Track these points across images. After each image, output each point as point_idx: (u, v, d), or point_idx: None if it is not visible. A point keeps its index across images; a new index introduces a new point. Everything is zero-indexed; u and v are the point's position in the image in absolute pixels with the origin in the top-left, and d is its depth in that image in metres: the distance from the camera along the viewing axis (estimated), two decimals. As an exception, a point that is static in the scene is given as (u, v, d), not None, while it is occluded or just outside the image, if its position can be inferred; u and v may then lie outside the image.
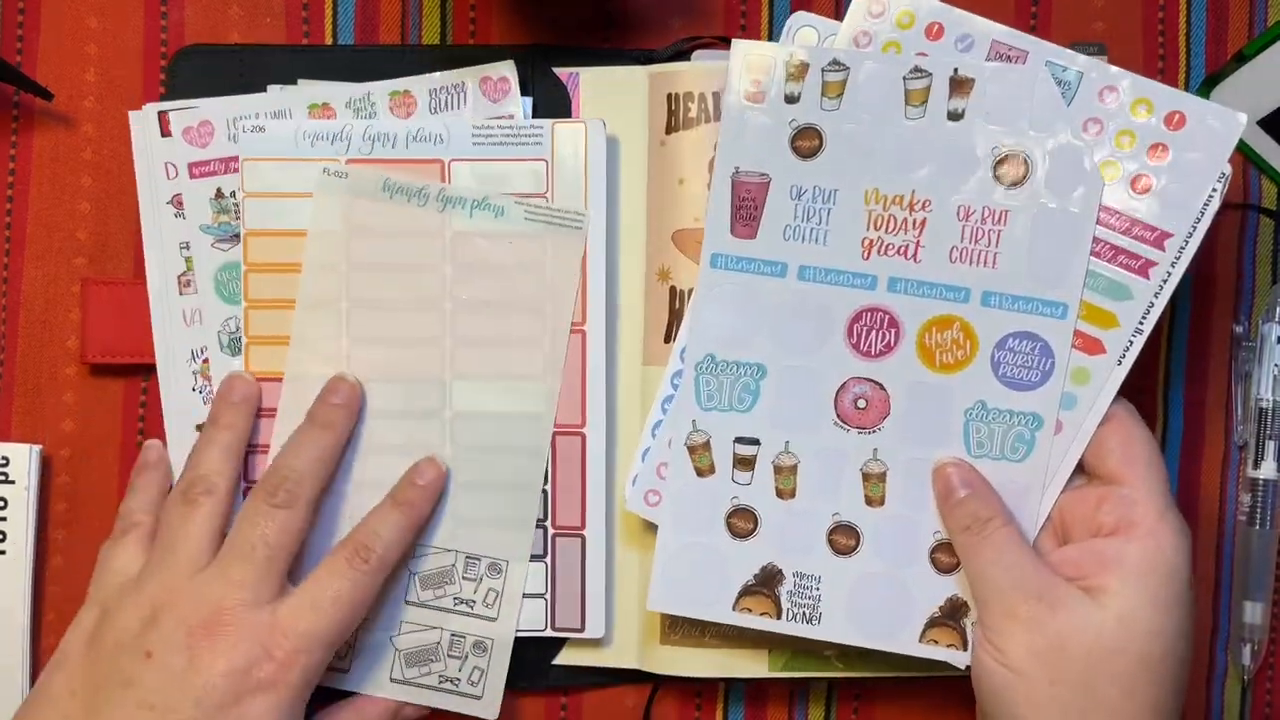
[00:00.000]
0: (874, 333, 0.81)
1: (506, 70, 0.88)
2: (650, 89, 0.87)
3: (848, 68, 0.81)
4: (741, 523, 0.83)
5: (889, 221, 0.81)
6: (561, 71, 0.88)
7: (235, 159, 0.87)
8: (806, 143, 0.81)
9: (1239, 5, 0.90)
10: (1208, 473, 0.91)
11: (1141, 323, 0.79)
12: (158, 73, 0.89)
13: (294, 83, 0.88)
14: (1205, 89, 0.89)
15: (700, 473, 0.83)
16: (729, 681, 0.90)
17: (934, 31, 0.81)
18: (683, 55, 0.88)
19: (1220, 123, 0.79)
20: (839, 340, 0.82)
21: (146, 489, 0.85)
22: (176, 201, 0.87)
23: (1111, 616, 0.74)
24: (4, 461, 0.87)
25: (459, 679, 0.86)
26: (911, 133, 0.81)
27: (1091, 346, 0.80)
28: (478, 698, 0.86)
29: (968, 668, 0.81)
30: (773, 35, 0.90)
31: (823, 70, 0.81)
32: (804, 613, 0.83)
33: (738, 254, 0.82)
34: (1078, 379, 0.80)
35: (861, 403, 0.82)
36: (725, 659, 0.87)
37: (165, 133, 0.87)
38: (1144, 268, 0.79)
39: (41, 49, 0.89)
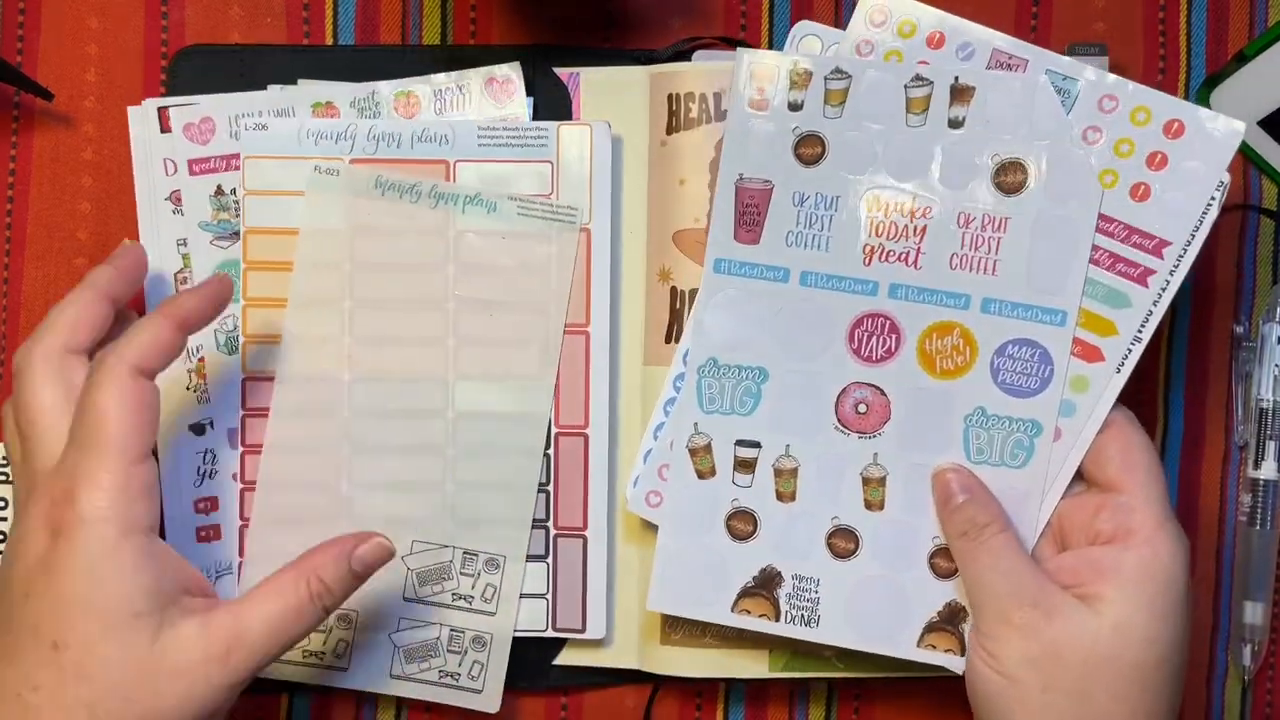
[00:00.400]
0: (875, 338, 0.82)
1: (512, 71, 0.87)
2: (651, 89, 0.87)
3: (850, 76, 0.81)
4: (741, 525, 0.83)
5: (890, 228, 0.81)
6: (562, 72, 0.88)
7: (236, 156, 0.86)
8: (809, 150, 0.82)
9: (1239, 5, 0.90)
10: (1208, 473, 0.91)
11: (1140, 331, 0.80)
12: (158, 73, 0.89)
13: (294, 83, 0.88)
14: (1206, 89, 0.89)
15: (701, 475, 0.84)
16: (729, 682, 0.91)
17: (935, 40, 0.81)
18: (683, 55, 0.88)
19: (1219, 131, 0.79)
20: (840, 345, 0.82)
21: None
22: (175, 198, 0.87)
23: (1107, 625, 0.75)
24: (4, 462, 0.87)
25: (459, 674, 0.87)
26: (913, 140, 0.81)
27: (1090, 354, 0.80)
28: (478, 691, 0.87)
29: (964, 671, 0.81)
30: (773, 35, 0.90)
31: (825, 78, 0.81)
32: (802, 615, 0.83)
33: (740, 259, 0.82)
34: (1077, 386, 0.80)
35: (862, 407, 0.82)
36: (725, 659, 0.87)
37: (165, 128, 0.87)
38: (1143, 276, 0.79)
39: (42, 49, 0.89)
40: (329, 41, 0.90)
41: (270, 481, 0.86)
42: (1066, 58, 0.80)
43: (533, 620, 0.87)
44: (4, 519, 0.87)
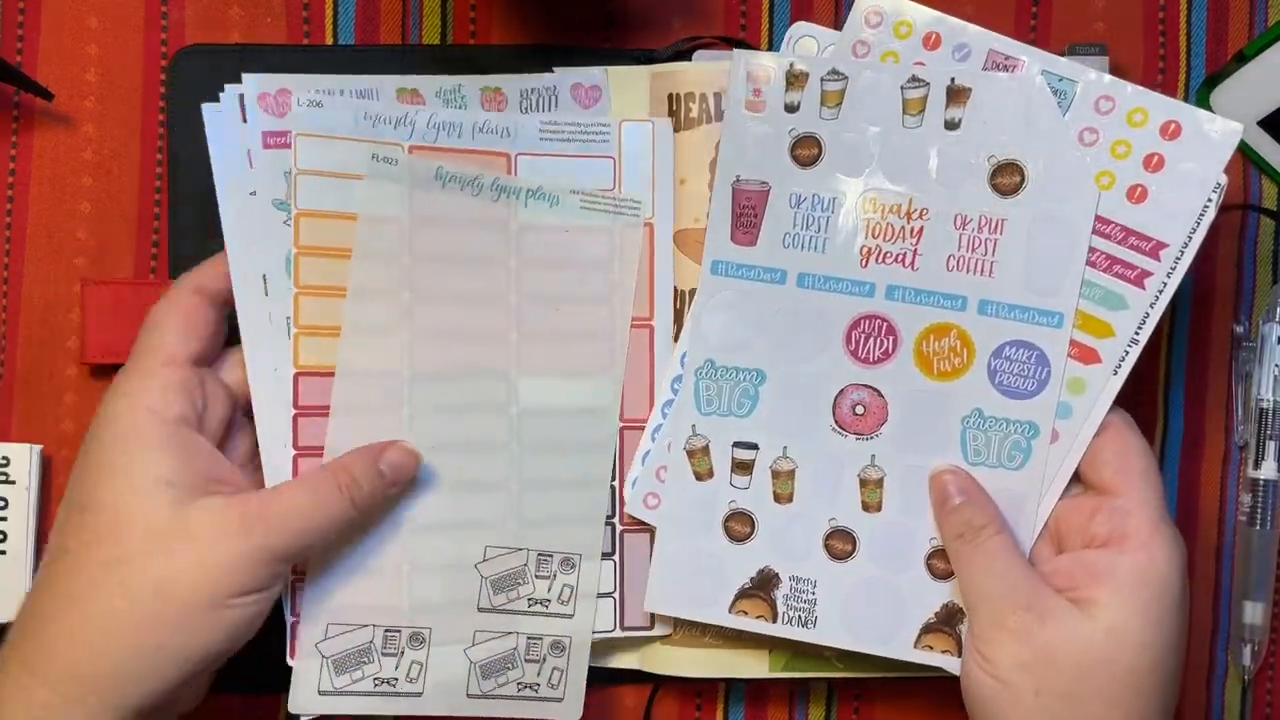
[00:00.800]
0: (872, 340, 0.82)
1: (599, 79, 0.87)
2: (651, 89, 0.87)
3: (846, 77, 0.81)
4: (739, 526, 0.83)
5: (887, 230, 0.81)
6: (574, 71, 0.88)
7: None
8: (806, 151, 0.82)
9: (1239, 5, 0.90)
10: (1208, 473, 0.91)
11: (1137, 333, 0.80)
12: (158, 73, 0.89)
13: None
14: (1205, 89, 0.89)
15: (699, 476, 0.84)
16: (729, 681, 0.91)
17: (931, 41, 0.81)
18: (683, 55, 0.88)
19: (1217, 132, 0.79)
20: (837, 347, 0.82)
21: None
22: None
23: (1101, 629, 0.75)
24: (4, 461, 0.87)
25: (538, 684, 0.85)
26: (909, 141, 0.81)
27: (1087, 356, 0.80)
28: (559, 700, 0.85)
29: (963, 671, 0.81)
30: (773, 35, 0.90)
31: (822, 80, 0.81)
32: (800, 616, 0.83)
33: (738, 261, 0.82)
34: (1074, 389, 0.80)
35: (859, 409, 0.82)
36: (725, 659, 0.87)
37: (244, 118, 0.84)
38: (1140, 278, 0.79)
39: (42, 49, 0.89)
40: (329, 41, 0.89)
41: None
42: (1063, 58, 0.80)
43: (601, 621, 0.86)
44: (4, 519, 0.87)
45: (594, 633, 0.86)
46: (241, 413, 0.82)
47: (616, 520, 0.86)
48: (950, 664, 0.82)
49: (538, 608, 0.85)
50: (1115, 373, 0.80)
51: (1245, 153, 0.89)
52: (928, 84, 0.80)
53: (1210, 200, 0.79)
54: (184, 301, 0.79)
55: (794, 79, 0.81)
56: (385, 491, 0.80)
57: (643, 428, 0.86)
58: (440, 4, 0.89)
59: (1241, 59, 0.88)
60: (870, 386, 0.82)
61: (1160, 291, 0.79)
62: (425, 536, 0.83)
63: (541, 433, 0.85)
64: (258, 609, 0.76)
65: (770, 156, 0.82)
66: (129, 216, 0.88)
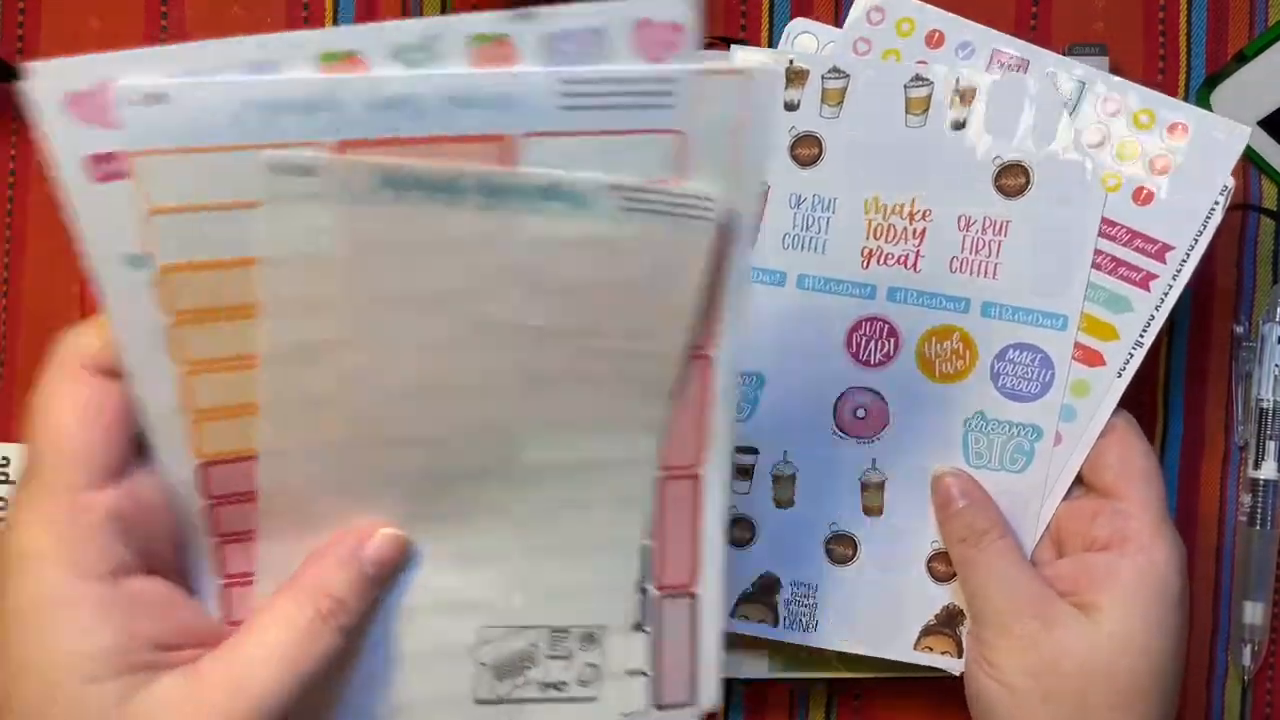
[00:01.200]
0: (873, 342, 0.81)
1: (682, 11, 0.54)
2: (650, 89, 0.86)
3: (848, 75, 0.81)
4: (739, 531, 0.83)
5: (889, 231, 0.81)
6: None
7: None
8: (806, 150, 0.81)
9: (1239, 5, 0.90)
10: (1208, 473, 0.91)
11: (1142, 335, 0.79)
12: (157, 73, 0.88)
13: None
14: (1206, 89, 0.88)
15: (699, 481, 0.83)
16: (729, 682, 0.90)
17: (934, 39, 0.81)
18: (683, 55, 0.88)
19: (1223, 134, 0.79)
20: (838, 349, 0.82)
21: None
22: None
23: (1104, 634, 0.75)
24: (4, 461, 0.87)
25: None
26: (912, 141, 0.80)
27: (1091, 358, 0.80)
28: None
29: (962, 673, 0.81)
30: (773, 35, 0.89)
31: (822, 78, 0.81)
32: (801, 621, 0.83)
33: (737, 262, 0.82)
34: (1077, 391, 0.80)
35: (861, 412, 0.82)
36: (725, 659, 0.87)
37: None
38: (1145, 280, 0.79)
39: (42, 49, 0.89)
40: (327, 41, 0.89)
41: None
42: (1069, 58, 0.80)
43: (630, 701, 0.69)
44: (4, 519, 0.87)
45: (623, 716, 0.69)
46: None
47: (649, 585, 0.68)
48: (950, 665, 0.82)
49: (551, 692, 0.67)
50: (1119, 375, 0.80)
51: (1245, 153, 0.89)
52: (931, 83, 0.80)
53: (1217, 202, 0.78)
54: (85, 387, 0.58)
55: (794, 76, 0.81)
56: (374, 595, 0.63)
57: (690, 476, 0.67)
58: (441, 3, 0.89)
59: (1241, 59, 0.88)
60: (871, 389, 0.82)
61: (1165, 294, 0.79)
62: (403, 623, 0.66)
63: (555, 492, 0.65)
64: None
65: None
66: (127, 217, 0.87)
